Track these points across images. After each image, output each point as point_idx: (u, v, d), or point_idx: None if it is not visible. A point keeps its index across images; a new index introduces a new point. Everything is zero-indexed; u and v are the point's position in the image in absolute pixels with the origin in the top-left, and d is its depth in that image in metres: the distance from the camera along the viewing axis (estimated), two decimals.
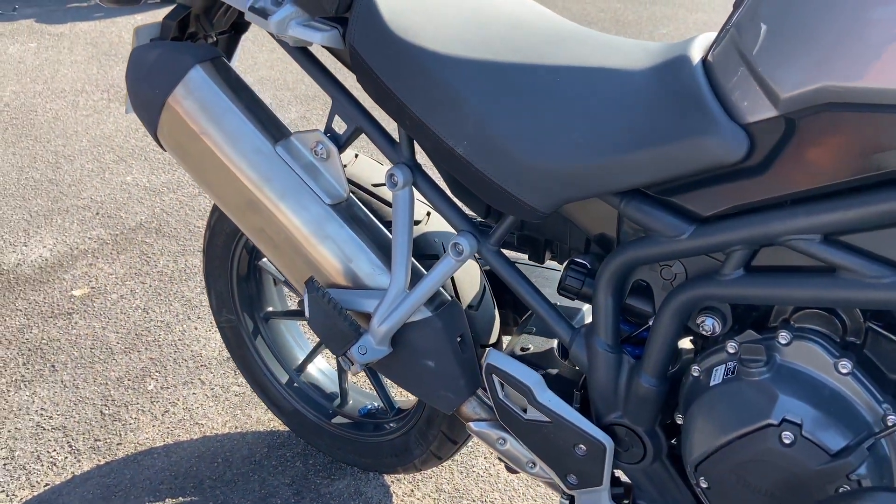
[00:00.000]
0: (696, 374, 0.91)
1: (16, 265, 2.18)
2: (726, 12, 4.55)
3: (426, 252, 1.16)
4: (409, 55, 0.93)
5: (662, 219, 0.84)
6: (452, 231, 1.21)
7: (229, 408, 1.70)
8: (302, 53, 1.08)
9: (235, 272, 1.47)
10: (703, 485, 0.91)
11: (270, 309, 1.54)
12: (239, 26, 1.30)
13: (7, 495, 1.49)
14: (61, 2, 4.64)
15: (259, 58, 3.78)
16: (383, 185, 1.22)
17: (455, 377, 1.10)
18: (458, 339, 1.09)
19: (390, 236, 1.12)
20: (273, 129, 1.12)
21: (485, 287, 1.20)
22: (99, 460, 1.57)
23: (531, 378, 1.02)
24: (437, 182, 1.06)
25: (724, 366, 0.88)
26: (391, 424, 1.44)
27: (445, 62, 0.92)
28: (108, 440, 1.61)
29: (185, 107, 1.11)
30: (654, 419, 0.96)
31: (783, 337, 0.83)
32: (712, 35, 0.84)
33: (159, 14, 4.07)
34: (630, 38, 3.21)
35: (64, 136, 2.96)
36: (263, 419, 1.67)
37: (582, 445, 1.00)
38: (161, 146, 1.19)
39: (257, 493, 1.50)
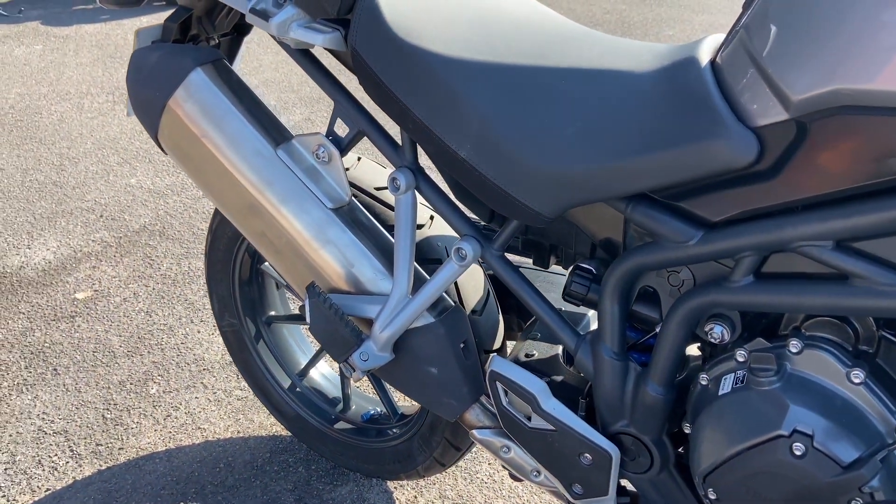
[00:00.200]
0: (704, 382, 0.89)
1: (19, 268, 2.18)
2: (732, 14, 4.53)
3: (429, 256, 1.15)
4: (412, 57, 0.92)
5: (670, 224, 0.82)
6: (456, 235, 1.20)
7: (231, 412, 1.69)
8: (304, 56, 1.07)
9: (238, 276, 1.46)
10: (712, 496, 0.89)
11: (273, 313, 1.54)
12: (241, 28, 1.29)
13: (8, 500, 1.48)
14: (67, 4, 4.65)
15: (264, 60, 3.78)
16: (386, 188, 1.21)
17: (458, 384, 1.08)
18: (462, 346, 1.08)
19: (393, 241, 1.10)
20: (274, 131, 1.11)
21: (488, 292, 1.18)
22: (100, 465, 1.56)
23: (535, 385, 1.00)
24: (440, 186, 1.04)
25: (733, 374, 0.86)
26: (394, 430, 1.43)
27: (448, 64, 0.90)
28: (109, 444, 1.60)
29: (186, 109, 1.10)
30: (661, 428, 0.95)
31: (794, 345, 0.81)
32: (721, 36, 0.82)
33: (164, 16, 4.07)
34: (636, 39, 3.19)
35: (68, 139, 2.96)
36: (266, 424, 1.66)
37: (587, 454, 0.99)
38: (162, 149, 1.18)
39: (259, 499, 1.49)
